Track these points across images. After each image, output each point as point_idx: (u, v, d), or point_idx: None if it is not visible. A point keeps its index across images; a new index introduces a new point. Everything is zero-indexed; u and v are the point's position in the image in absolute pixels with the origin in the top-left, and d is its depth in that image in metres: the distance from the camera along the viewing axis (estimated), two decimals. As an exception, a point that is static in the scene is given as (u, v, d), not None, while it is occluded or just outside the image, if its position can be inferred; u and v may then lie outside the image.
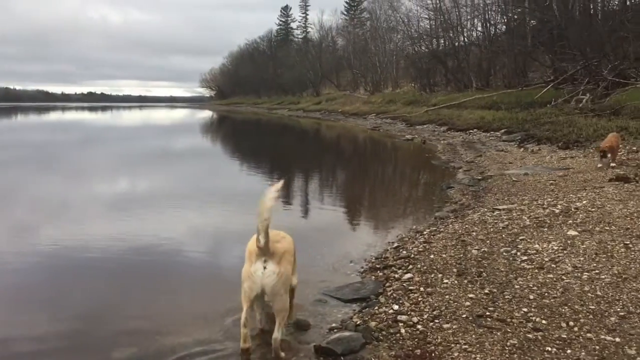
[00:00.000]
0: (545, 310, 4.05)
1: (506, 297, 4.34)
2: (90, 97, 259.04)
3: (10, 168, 14.70)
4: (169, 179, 12.85)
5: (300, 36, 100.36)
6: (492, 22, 35.27)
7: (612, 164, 10.09)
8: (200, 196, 10.21)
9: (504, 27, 34.61)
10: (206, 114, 70.86)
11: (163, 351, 3.86)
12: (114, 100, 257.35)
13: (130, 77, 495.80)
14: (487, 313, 4.06)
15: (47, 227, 7.77)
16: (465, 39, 38.00)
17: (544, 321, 3.87)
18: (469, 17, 38.00)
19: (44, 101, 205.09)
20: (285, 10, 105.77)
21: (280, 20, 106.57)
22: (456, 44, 37.83)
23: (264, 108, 79.87)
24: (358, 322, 4.15)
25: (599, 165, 10.24)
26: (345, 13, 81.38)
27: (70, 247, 6.60)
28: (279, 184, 3.72)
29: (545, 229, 6.16)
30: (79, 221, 8.13)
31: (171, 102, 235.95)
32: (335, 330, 4.11)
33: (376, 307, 4.42)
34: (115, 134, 33.75)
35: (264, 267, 3.59)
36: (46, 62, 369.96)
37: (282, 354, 3.67)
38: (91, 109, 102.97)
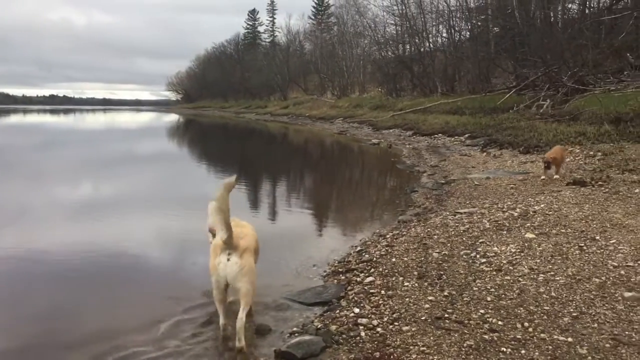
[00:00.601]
0: (502, 311, 4.14)
1: (465, 299, 4.42)
2: (52, 99, 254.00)
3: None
4: (130, 184, 12.66)
5: (267, 40, 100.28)
6: (456, 28, 35.95)
7: (556, 176, 9.80)
8: (163, 201, 10.10)
9: (468, 33, 35.28)
10: (172, 118, 70.05)
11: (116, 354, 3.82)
12: (77, 103, 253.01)
13: (95, 79, 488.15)
14: (446, 315, 4.13)
15: (4, 232, 7.57)
16: (431, 44, 38.59)
17: (500, 322, 3.96)
18: (434, 23, 38.59)
19: (4, 103, 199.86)
20: (253, 13, 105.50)
21: (248, 24, 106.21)
22: (422, 49, 38.35)
23: (231, 112, 79.41)
24: (319, 326, 4.17)
25: (542, 177, 9.92)
26: (313, 17, 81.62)
27: (27, 253, 6.44)
28: (231, 178, 4.01)
29: (505, 232, 6.30)
30: (37, 227, 7.95)
31: (137, 105, 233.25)
32: (295, 334, 4.11)
33: (337, 311, 4.44)
34: (77, 137, 33.05)
35: (228, 259, 3.95)
36: (6, 63, 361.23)
37: (243, 337, 3.86)
38: (53, 111, 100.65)
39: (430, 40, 38.64)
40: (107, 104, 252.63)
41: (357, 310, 4.38)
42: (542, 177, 9.94)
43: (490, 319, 4.01)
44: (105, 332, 4.23)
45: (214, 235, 4.36)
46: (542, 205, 7.44)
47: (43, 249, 6.62)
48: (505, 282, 4.72)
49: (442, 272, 5.08)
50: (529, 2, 27.12)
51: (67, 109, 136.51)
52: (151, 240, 7.29)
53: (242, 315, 3.91)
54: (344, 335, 3.94)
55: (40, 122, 56.88)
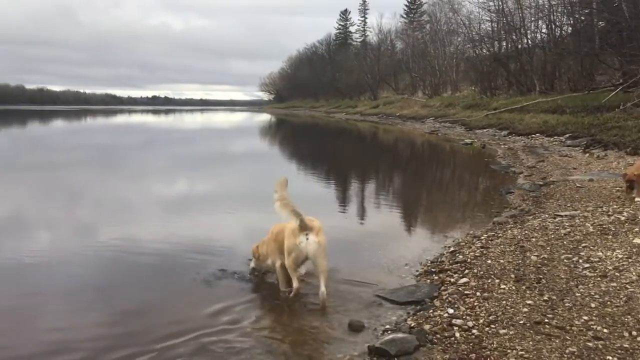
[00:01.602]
0: (607, 319, 3.92)
1: (566, 304, 4.23)
2: (154, 100, 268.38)
3: (75, 168, 15.45)
4: (224, 181, 13.16)
5: (358, 40, 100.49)
6: (557, 23, 34.10)
7: (637, 199, 7.69)
8: (254, 198, 10.37)
9: (570, 28, 33.41)
10: (264, 117, 71.97)
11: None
12: (177, 103, 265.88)
13: (192, 81, 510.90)
14: (546, 320, 3.97)
15: (103, 226, 8.13)
16: (529, 41, 36.96)
17: (605, 330, 3.75)
18: (532, 18, 36.83)
19: (112, 104, 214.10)
20: (345, 14, 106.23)
21: (339, 24, 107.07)
22: (519, 46, 36.81)
23: (322, 111, 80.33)
24: (412, 325, 4.15)
25: (634, 197, 7.81)
26: (405, 16, 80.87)
27: (122, 245, 6.87)
28: (282, 177, 5.12)
29: (610, 237, 5.95)
30: (134, 221, 8.47)
31: (231, 105, 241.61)
32: (389, 332, 4.12)
33: (431, 311, 4.40)
34: (176, 136, 34.79)
35: (307, 238, 4.66)
36: (112, 66, 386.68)
37: (325, 305, 4.63)
38: (155, 112, 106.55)
39: (529, 37, 37.05)
40: (204, 105, 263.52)
41: (451, 310, 4.31)
42: (634, 197, 7.81)
43: (594, 326, 3.81)
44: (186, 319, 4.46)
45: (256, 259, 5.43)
46: (652, 210, 6.96)
47: (139, 241, 7.05)
48: (611, 289, 4.46)
49: (541, 276, 4.89)
50: (639, -6, 25.33)
51: (168, 109, 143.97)
52: (239, 236, 7.50)
53: (323, 288, 4.62)
54: (437, 335, 3.89)
55: (143, 121, 60.46)
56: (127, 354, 3.88)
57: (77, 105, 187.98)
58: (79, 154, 20.29)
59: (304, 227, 4.68)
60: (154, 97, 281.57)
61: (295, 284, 4.83)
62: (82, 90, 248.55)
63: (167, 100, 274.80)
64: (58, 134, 36.61)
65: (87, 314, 4.66)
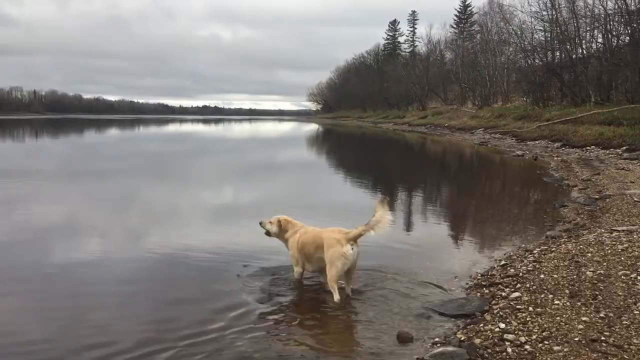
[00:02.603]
0: (669, 339, 3.77)
1: (624, 322, 4.09)
2: (205, 110, 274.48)
3: (128, 176, 15.97)
4: (270, 191, 13.29)
5: (407, 50, 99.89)
6: (614, 33, 33.06)
7: None
8: (302, 208, 10.42)
9: (628, 38, 32.32)
10: (312, 127, 72.39)
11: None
12: (226, 113, 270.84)
13: (241, 91, 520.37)
14: (602, 338, 3.85)
15: (148, 232, 8.35)
16: (584, 51, 35.94)
17: (666, 350, 3.61)
18: (588, 28, 35.85)
19: (164, 113, 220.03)
20: (393, 24, 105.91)
21: (388, 35, 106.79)
22: (573, 56, 35.87)
23: (369, 122, 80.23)
24: (462, 338, 4.09)
25: None
26: (455, 26, 80.00)
27: (171, 250, 7.03)
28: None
29: (671, 254, 5.72)
30: (179, 228, 8.67)
31: (279, 115, 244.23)
32: (438, 345, 4.08)
33: (481, 325, 4.33)
34: (226, 145, 35.37)
35: (352, 249, 5.06)
36: (164, 76, 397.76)
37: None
38: (205, 121, 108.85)
39: (584, 46, 36.03)
40: (253, 114, 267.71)
41: (502, 325, 4.23)
42: None
43: (654, 346, 3.68)
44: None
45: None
46: None
47: (184, 248, 7.20)
48: (672, 308, 4.29)
49: (597, 292, 4.74)
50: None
51: (218, 118, 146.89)
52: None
53: (349, 292, 5.22)
54: (489, 350, 3.83)
55: (194, 130, 61.84)
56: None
57: (131, 114, 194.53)
58: (132, 161, 20.96)
59: (351, 238, 5.10)
60: (205, 107, 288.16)
61: (336, 295, 5.03)
62: (135, 100, 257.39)
63: (217, 110, 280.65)
64: (113, 143, 37.87)
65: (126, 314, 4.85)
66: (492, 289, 5.24)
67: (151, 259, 6.65)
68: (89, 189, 13.05)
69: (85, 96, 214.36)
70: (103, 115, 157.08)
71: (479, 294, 5.18)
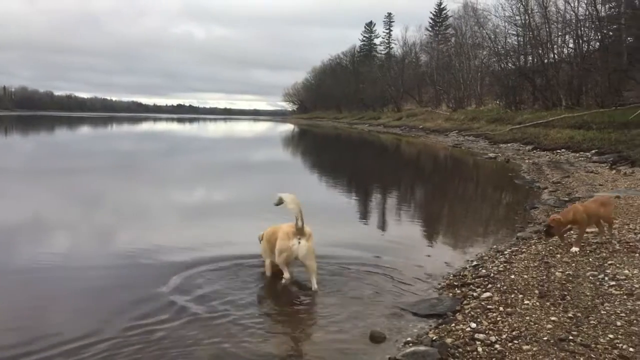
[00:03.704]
0: (634, 337, 3.86)
1: (591, 322, 4.17)
2: (180, 109, 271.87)
3: (97, 174, 15.67)
4: (243, 190, 13.18)
5: (383, 52, 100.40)
6: (584, 38, 33.72)
7: (574, 249, 6.21)
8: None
9: (598, 44, 33.00)
10: (287, 128, 72.26)
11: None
12: (201, 112, 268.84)
13: (216, 90, 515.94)
14: (570, 337, 3.92)
15: (112, 230, 8.24)
16: (555, 55, 36.59)
17: (631, 349, 3.69)
18: (560, 33, 36.52)
19: (137, 112, 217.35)
20: (369, 25, 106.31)
21: (364, 36, 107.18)
22: (545, 60, 36.49)
23: (345, 123, 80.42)
24: (434, 338, 4.12)
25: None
26: (430, 29, 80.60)
27: (140, 251, 6.94)
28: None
29: (637, 255, 5.85)
30: (144, 226, 8.58)
31: (255, 115, 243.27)
32: (410, 344, 4.11)
33: (453, 324, 4.37)
34: (199, 144, 35.02)
35: (299, 242, 5.24)
36: (138, 74, 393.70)
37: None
38: (179, 120, 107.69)
39: (555, 51, 36.68)
40: (228, 114, 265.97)
41: (473, 325, 4.28)
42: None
43: (620, 345, 3.76)
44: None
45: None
46: (681, 229, 6.82)
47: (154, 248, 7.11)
48: (637, 307, 4.39)
49: (565, 293, 4.83)
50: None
51: (192, 117, 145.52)
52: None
53: (315, 286, 5.30)
54: (460, 349, 3.87)
55: (168, 129, 61.10)
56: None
57: (104, 112, 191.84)
58: (103, 159, 20.59)
59: (299, 232, 5.25)
60: (179, 106, 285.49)
61: (286, 273, 5.41)
62: (108, 98, 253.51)
63: (191, 109, 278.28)
64: (84, 140, 37.22)
65: (84, 316, 4.72)
66: (463, 289, 5.30)
67: (112, 257, 6.55)
68: (55, 187, 12.78)
69: (57, 93, 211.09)
70: (75, 113, 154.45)
71: (451, 294, 5.23)
